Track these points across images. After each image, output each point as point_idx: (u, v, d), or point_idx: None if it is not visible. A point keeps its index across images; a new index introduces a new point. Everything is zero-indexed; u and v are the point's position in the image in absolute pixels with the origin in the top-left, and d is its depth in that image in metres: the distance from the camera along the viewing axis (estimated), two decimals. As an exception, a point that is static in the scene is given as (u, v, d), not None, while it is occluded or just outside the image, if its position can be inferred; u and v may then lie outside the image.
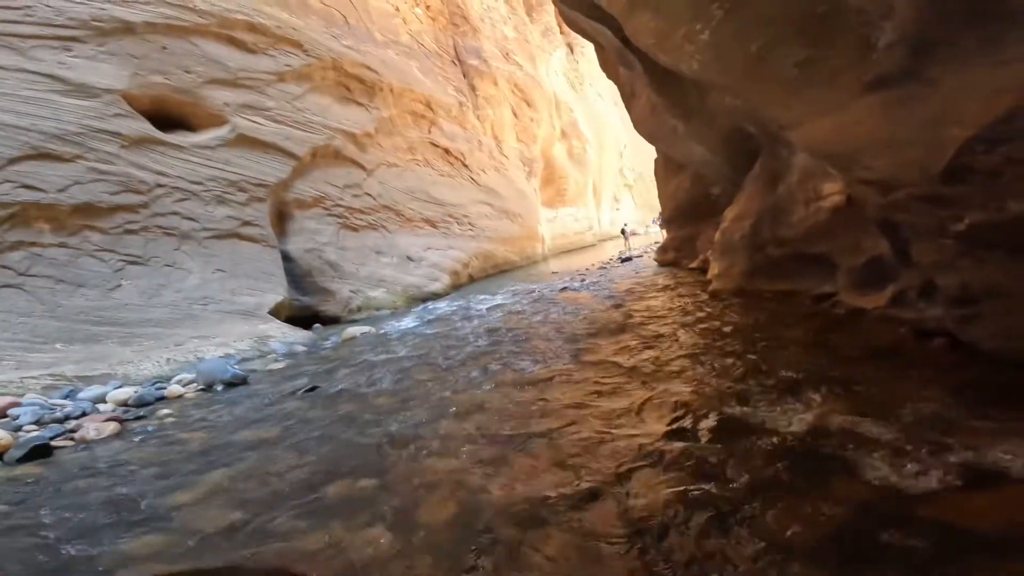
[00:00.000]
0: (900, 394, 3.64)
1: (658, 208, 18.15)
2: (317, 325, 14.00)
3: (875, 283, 5.75)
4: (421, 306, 15.79)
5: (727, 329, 6.60)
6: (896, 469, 2.78)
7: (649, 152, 15.65)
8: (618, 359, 6.06)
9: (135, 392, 7.81)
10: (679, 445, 3.57)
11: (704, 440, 3.62)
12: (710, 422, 3.88)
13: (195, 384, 8.22)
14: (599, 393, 5.01)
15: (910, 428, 3.19)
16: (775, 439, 3.41)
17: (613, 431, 4.03)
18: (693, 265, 12.51)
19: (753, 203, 8.03)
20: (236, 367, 8.78)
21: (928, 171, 3.48)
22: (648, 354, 6.07)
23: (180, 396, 7.81)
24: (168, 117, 12.57)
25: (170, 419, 6.67)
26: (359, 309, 15.15)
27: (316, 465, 4.40)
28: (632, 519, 2.83)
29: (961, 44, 3.06)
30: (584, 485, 3.26)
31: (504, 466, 3.75)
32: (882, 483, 2.71)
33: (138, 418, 6.88)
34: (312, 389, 7.02)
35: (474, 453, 4.08)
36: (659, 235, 23.96)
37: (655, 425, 4.03)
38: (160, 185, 11.50)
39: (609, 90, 39.77)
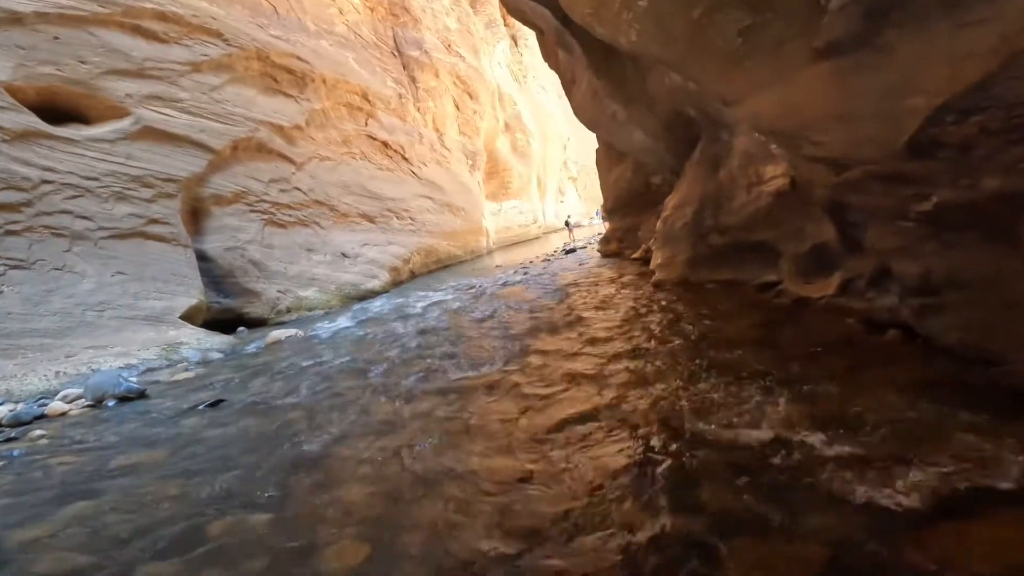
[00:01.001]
0: (860, 398, 3.22)
1: (601, 200, 17.91)
2: (241, 329, 12.98)
3: (820, 271, 5.48)
4: (357, 305, 15.01)
5: (669, 324, 6.19)
6: (872, 494, 2.32)
7: (593, 145, 15.33)
8: (558, 361, 5.57)
9: (10, 411, 6.82)
10: (622, 478, 3.02)
11: (653, 465, 3.06)
12: (658, 441, 3.34)
13: (83, 400, 7.23)
14: (534, 404, 4.47)
15: (879, 440, 2.75)
16: (732, 460, 2.91)
17: (552, 453, 3.49)
18: (636, 255, 12.27)
19: (694, 190, 7.73)
20: (135, 379, 7.82)
21: (887, 146, 3.11)
22: (588, 354, 5.59)
23: (63, 414, 6.87)
24: (59, 109, 11.48)
25: (43, 441, 5.91)
26: (288, 310, 14.20)
27: (201, 495, 3.85)
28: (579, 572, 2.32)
29: (919, 5, 2.70)
30: (516, 532, 2.69)
31: (425, 499, 3.20)
32: (860, 513, 2.24)
33: (8, 440, 6.11)
34: (217, 403, 6.25)
35: (390, 482, 3.54)
36: (603, 227, 23.89)
37: (594, 446, 3.49)
38: (47, 181, 10.37)
39: (553, 83, 39.29)
